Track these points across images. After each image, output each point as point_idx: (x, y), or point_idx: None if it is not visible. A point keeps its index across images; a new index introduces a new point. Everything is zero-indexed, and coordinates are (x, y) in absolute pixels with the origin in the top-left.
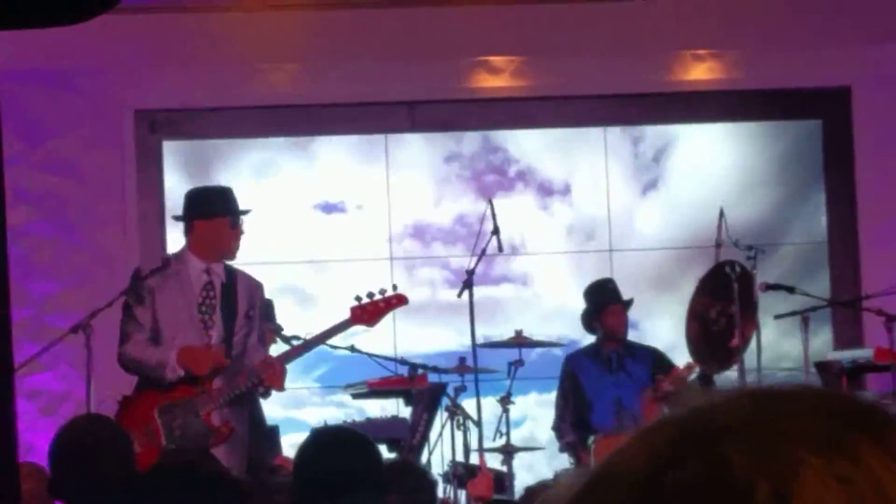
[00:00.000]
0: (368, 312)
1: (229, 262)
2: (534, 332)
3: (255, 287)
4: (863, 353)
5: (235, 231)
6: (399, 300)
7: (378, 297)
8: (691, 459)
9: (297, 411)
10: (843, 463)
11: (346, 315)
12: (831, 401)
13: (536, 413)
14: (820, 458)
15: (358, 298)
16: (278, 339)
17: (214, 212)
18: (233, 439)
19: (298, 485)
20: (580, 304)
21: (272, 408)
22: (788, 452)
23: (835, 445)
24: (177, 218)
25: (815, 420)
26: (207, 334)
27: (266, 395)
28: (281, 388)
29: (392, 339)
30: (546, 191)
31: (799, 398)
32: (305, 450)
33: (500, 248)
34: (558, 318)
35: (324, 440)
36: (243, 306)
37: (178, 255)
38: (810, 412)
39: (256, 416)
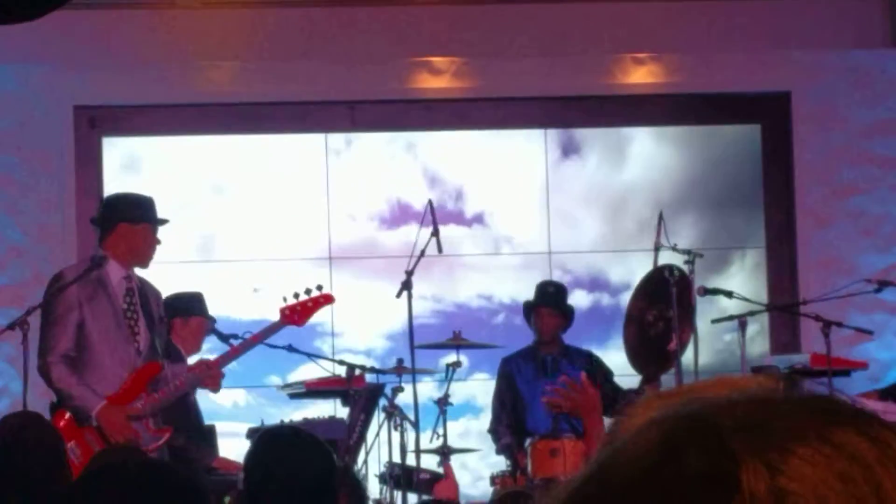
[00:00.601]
0: (297, 313)
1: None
2: (496, 291)
3: (159, 294)
4: (799, 359)
5: (156, 239)
6: (326, 299)
7: (304, 296)
8: (696, 451)
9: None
10: (840, 460)
11: (276, 317)
12: (823, 402)
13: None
14: (820, 454)
15: (284, 299)
16: (213, 334)
17: (141, 217)
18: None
19: (250, 487)
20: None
21: None
22: (789, 448)
23: (833, 443)
24: (94, 221)
25: (811, 419)
26: (136, 340)
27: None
28: (217, 390)
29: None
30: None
31: (793, 401)
32: (257, 452)
33: (440, 249)
34: (525, 277)
35: (276, 442)
36: (156, 312)
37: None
38: (806, 412)
39: (194, 416)
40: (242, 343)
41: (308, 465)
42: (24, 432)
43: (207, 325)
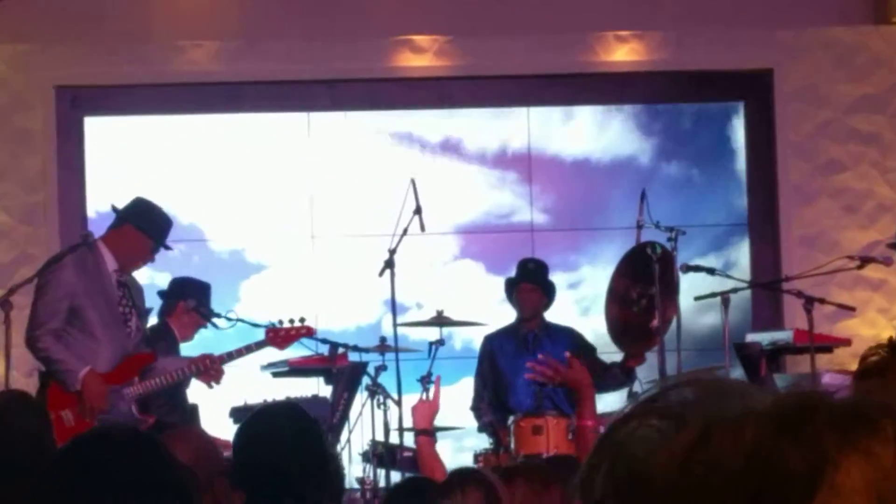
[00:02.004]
0: (281, 338)
1: None
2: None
3: (142, 288)
4: (782, 335)
5: (150, 257)
6: (308, 331)
7: (289, 325)
8: (789, 443)
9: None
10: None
11: (261, 336)
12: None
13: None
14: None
15: (271, 324)
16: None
17: (147, 229)
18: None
19: (239, 468)
20: None
21: None
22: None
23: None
24: (114, 209)
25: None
26: (127, 326)
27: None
28: (216, 384)
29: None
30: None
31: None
32: (249, 431)
33: (423, 228)
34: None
35: (269, 423)
36: (141, 304)
37: (93, 246)
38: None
39: (179, 396)
40: (231, 353)
41: (302, 447)
42: (9, 410)
43: (201, 314)
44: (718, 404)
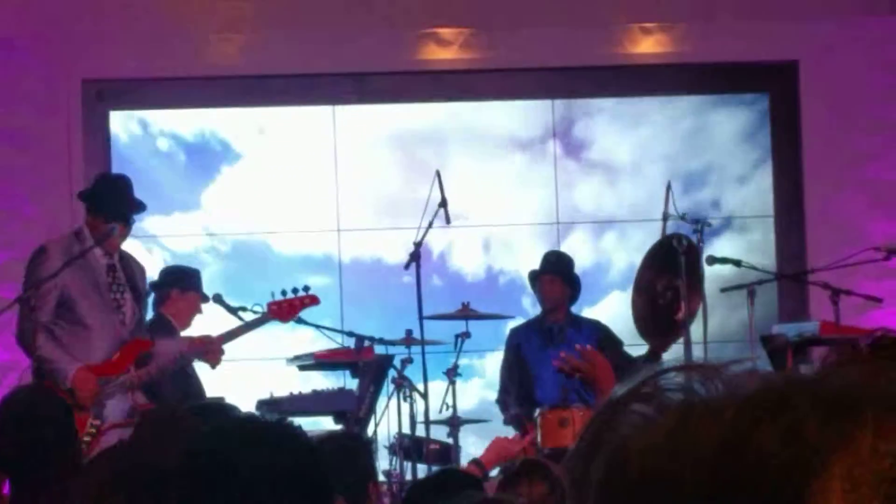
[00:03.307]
0: (284, 310)
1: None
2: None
3: (144, 269)
4: (808, 327)
5: (124, 230)
6: (311, 300)
7: (292, 295)
8: (768, 427)
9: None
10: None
11: (264, 310)
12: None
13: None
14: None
15: (272, 294)
16: (222, 307)
17: (100, 210)
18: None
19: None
20: None
21: None
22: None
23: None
24: (80, 194)
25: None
26: (121, 312)
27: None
28: (216, 364)
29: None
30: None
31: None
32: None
33: (448, 220)
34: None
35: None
36: (141, 286)
37: (80, 234)
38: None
39: (196, 388)
40: (231, 332)
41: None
42: (36, 405)
43: (200, 302)
44: (706, 390)
